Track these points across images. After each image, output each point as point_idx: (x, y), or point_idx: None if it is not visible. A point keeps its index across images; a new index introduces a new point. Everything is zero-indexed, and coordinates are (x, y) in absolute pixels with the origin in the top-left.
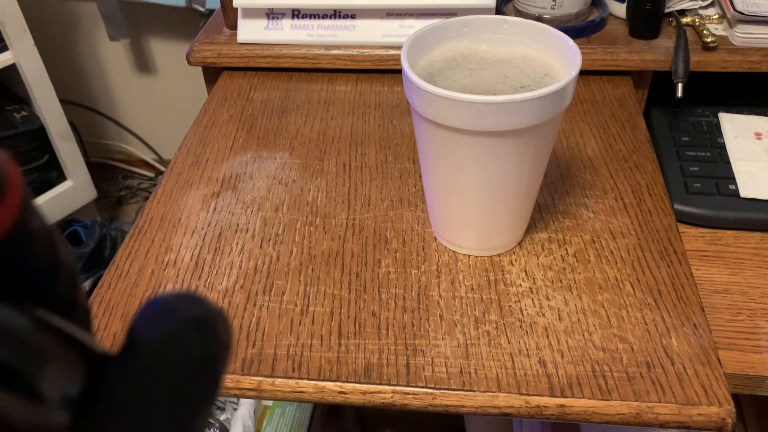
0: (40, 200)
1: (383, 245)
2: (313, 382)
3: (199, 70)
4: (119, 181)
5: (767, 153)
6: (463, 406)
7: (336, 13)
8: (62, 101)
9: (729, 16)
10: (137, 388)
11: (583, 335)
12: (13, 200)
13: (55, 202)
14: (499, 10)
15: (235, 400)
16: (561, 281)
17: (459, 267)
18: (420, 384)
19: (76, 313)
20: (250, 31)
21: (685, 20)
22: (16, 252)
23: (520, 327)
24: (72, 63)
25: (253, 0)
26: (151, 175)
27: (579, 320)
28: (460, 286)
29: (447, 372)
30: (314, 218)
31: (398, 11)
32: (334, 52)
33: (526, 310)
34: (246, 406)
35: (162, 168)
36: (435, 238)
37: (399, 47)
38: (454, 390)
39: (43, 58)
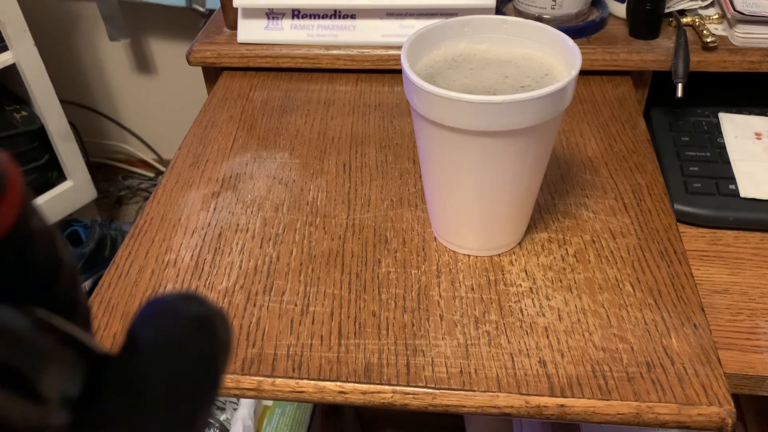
0: (40, 200)
1: (383, 245)
2: (313, 382)
3: (199, 70)
4: (119, 181)
5: (767, 153)
6: (463, 406)
7: (336, 13)
8: (62, 101)
9: (729, 16)
10: (137, 388)
11: (583, 335)
12: (13, 200)
13: (55, 202)
14: (499, 10)
15: (235, 400)
16: (561, 281)
17: (459, 267)
18: (420, 384)
19: (76, 313)
20: (250, 31)
21: (685, 20)
22: (16, 252)
23: (520, 327)
24: (72, 63)
25: (253, 0)
26: (151, 175)
27: (579, 320)
28: (460, 286)
29: (447, 372)
30: (314, 218)
31: (398, 11)
32: (334, 52)
33: (526, 310)
34: (246, 406)
35: (162, 168)
36: (435, 238)
37: (399, 47)
38: (454, 390)
39: (43, 58)
